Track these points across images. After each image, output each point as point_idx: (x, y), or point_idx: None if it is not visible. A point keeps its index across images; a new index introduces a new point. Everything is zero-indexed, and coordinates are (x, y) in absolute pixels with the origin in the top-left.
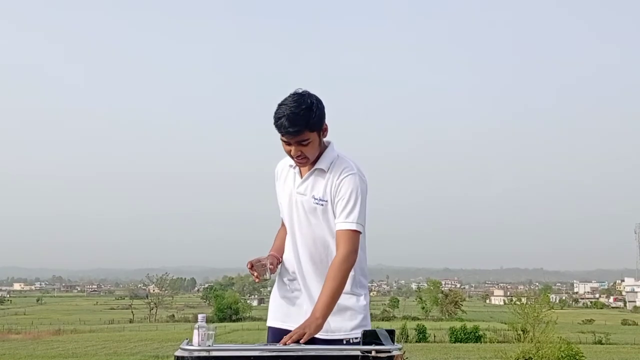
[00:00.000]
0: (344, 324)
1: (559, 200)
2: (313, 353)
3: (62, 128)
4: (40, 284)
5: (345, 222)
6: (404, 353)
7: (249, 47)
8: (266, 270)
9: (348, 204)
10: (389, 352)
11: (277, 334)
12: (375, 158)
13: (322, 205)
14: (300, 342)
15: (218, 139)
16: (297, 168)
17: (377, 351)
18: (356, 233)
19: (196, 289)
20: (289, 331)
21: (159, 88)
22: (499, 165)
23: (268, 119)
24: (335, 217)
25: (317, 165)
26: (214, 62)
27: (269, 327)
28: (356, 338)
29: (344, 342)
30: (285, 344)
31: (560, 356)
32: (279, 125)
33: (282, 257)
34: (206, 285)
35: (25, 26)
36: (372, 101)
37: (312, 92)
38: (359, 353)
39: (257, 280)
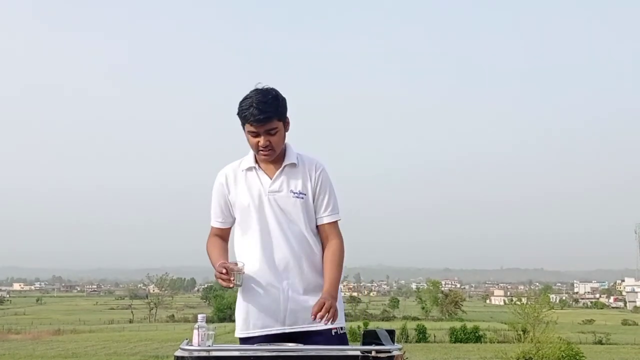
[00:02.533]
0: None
1: (559, 200)
2: (313, 353)
3: (62, 127)
4: (40, 284)
5: (331, 215)
6: (404, 353)
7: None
8: (240, 275)
9: (330, 198)
10: (389, 352)
11: (266, 341)
12: (376, 157)
13: (302, 198)
14: (329, 313)
15: (218, 140)
16: (260, 170)
17: (377, 351)
18: (338, 221)
19: (196, 289)
20: (279, 335)
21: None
22: (498, 165)
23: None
24: (316, 210)
25: (286, 161)
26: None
27: (253, 337)
28: (342, 329)
29: (333, 332)
30: (319, 317)
31: (560, 356)
32: (248, 115)
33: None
34: (206, 286)
35: None
36: (361, 102)
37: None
38: (359, 353)
39: (230, 285)
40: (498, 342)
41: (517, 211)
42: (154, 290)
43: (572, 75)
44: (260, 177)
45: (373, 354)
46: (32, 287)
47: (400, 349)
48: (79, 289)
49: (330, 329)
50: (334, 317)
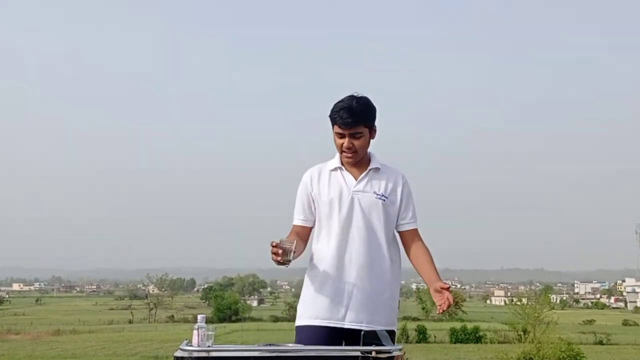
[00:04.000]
0: (389, 320)
1: (559, 200)
2: (313, 354)
3: (62, 128)
4: (40, 285)
5: (415, 222)
6: (404, 354)
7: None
8: (290, 251)
9: (414, 207)
10: (390, 352)
11: (322, 333)
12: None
13: (383, 200)
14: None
15: (219, 141)
16: (345, 171)
17: (378, 352)
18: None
19: (196, 289)
20: (335, 329)
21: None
22: (498, 165)
23: (267, 120)
24: (401, 216)
25: (371, 165)
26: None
27: (308, 326)
28: (393, 333)
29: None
30: (445, 310)
31: (561, 357)
32: (337, 117)
33: (298, 251)
34: (206, 286)
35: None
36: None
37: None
38: (359, 354)
39: (279, 259)
40: (498, 343)
41: (517, 211)
42: (153, 291)
43: (572, 75)
44: (345, 177)
45: (373, 354)
46: (32, 288)
47: (400, 350)
48: (78, 290)
49: (394, 331)
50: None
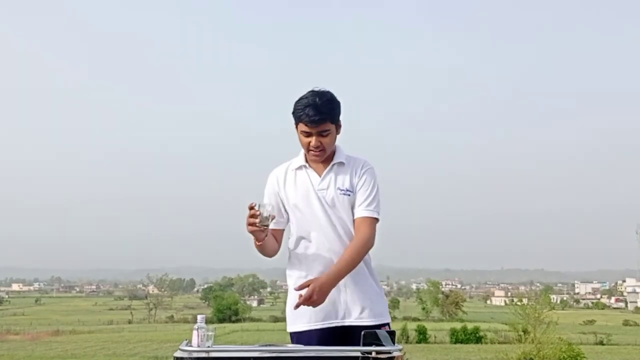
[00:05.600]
0: (383, 310)
1: (559, 200)
2: (313, 354)
3: (62, 128)
4: (39, 285)
5: (367, 210)
6: (404, 354)
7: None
8: (270, 216)
9: (371, 194)
10: (390, 353)
11: (315, 336)
12: (377, 158)
13: (348, 195)
14: (313, 297)
15: (217, 140)
16: (309, 168)
17: (378, 352)
18: (376, 221)
19: (195, 289)
20: (330, 329)
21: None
22: (498, 165)
23: (266, 120)
24: (354, 204)
25: (335, 160)
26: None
27: (301, 332)
28: (388, 326)
29: (384, 326)
30: (299, 305)
31: (561, 357)
32: (303, 115)
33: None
34: (205, 286)
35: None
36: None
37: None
38: (359, 354)
39: (255, 222)
40: (499, 343)
41: (518, 211)
42: (153, 291)
43: (573, 74)
44: (309, 175)
45: (373, 354)
46: (31, 288)
47: (400, 350)
48: (78, 290)
49: (380, 325)
50: (314, 303)
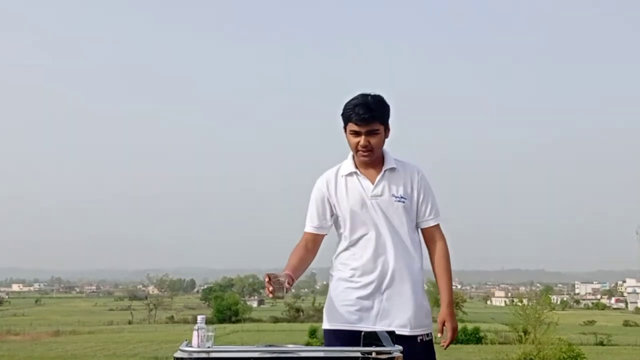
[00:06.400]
0: (424, 321)
1: (560, 200)
2: (313, 354)
3: (63, 127)
4: (39, 285)
5: (435, 218)
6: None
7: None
8: (282, 288)
9: (433, 201)
10: (390, 353)
11: (347, 336)
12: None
13: (403, 202)
14: (454, 333)
15: (220, 142)
16: (361, 175)
17: (378, 352)
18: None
19: (195, 290)
20: (360, 332)
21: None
22: (498, 165)
23: (268, 119)
24: (419, 214)
25: (386, 166)
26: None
27: (335, 330)
28: (428, 335)
29: (418, 339)
30: (447, 346)
31: (561, 357)
32: (353, 113)
33: (296, 277)
34: (205, 287)
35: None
36: None
37: None
38: (359, 354)
39: (270, 295)
40: (499, 344)
41: (518, 212)
42: (153, 291)
43: (575, 73)
44: (361, 182)
45: (373, 355)
46: (31, 288)
47: (400, 351)
48: (78, 290)
49: (416, 336)
50: (452, 337)
